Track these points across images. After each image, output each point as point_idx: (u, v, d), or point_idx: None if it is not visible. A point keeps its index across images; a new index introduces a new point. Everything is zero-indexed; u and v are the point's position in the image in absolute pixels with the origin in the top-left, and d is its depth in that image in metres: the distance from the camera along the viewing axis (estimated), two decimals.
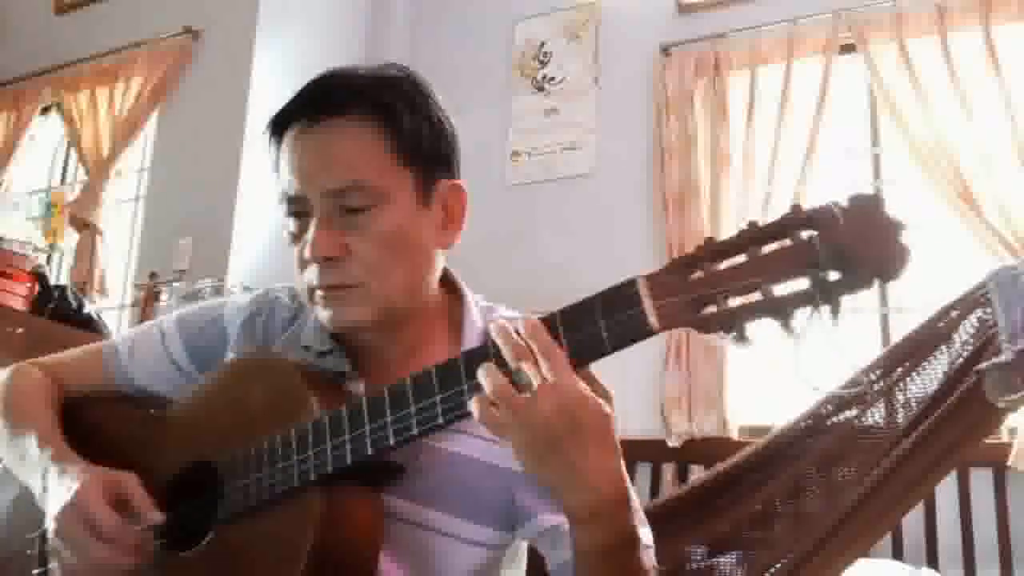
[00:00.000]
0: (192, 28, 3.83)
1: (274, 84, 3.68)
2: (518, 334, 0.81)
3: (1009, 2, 2.94)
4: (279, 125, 1.02)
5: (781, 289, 0.73)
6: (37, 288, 3.22)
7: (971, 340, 1.57)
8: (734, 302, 0.75)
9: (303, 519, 0.88)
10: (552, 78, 3.79)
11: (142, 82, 3.85)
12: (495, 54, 3.93)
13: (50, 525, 0.98)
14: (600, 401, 0.81)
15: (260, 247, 3.52)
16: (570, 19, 3.81)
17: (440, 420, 0.85)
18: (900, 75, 3.02)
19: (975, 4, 2.95)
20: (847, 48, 3.21)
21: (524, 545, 1.09)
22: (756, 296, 0.74)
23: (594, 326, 0.79)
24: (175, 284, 3.43)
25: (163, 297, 3.44)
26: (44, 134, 4.48)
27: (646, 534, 0.95)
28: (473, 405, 0.81)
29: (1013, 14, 2.94)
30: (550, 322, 0.82)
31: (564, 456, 0.79)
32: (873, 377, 1.59)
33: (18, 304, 3.15)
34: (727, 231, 3.14)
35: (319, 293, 0.98)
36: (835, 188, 3.21)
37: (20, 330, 2.76)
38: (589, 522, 0.83)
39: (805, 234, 0.73)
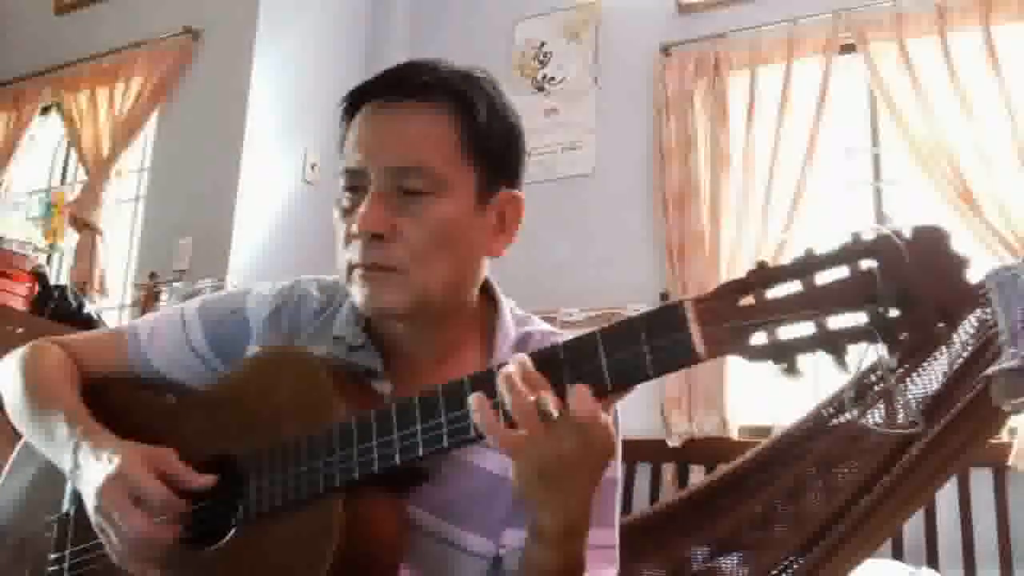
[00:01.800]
0: (192, 28, 3.83)
1: (274, 84, 3.68)
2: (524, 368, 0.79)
3: (1009, 2, 2.94)
4: (354, 102, 1.01)
5: (836, 322, 0.69)
6: (37, 288, 3.22)
7: (971, 340, 1.57)
8: (785, 332, 0.71)
9: (328, 523, 0.87)
10: (552, 78, 3.79)
11: (142, 82, 3.85)
12: (495, 54, 3.92)
13: (92, 501, 0.97)
14: (614, 440, 0.81)
15: (260, 247, 3.52)
16: (570, 19, 3.81)
17: (471, 433, 0.82)
18: (900, 75, 3.02)
19: (975, 4, 2.95)
20: (847, 48, 3.21)
21: None
22: (810, 327, 0.70)
23: (636, 349, 0.76)
24: (175, 284, 3.44)
25: (163, 297, 3.44)
26: (44, 134, 4.48)
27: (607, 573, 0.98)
28: (480, 418, 0.79)
29: (1013, 14, 2.94)
30: (591, 342, 0.79)
31: (561, 483, 0.80)
32: (873, 379, 1.59)
33: (18, 304, 3.15)
34: (727, 231, 3.15)
35: (358, 271, 0.96)
36: (834, 188, 3.22)
37: (20, 330, 2.76)
38: (556, 544, 0.84)
39: (865, 265, 0.69)
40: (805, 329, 0.71)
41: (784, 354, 0.71)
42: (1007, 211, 2.79)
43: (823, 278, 0.71)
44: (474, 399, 0.80)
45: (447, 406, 0.84)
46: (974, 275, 0.68)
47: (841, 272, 0.70)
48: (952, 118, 2.91)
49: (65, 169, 4.52)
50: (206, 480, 0.96)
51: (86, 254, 3.76)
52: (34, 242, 3.86)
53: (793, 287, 0.71)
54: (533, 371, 0.79)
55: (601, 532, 0.99)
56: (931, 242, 0.68)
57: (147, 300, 3.51)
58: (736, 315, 0.73)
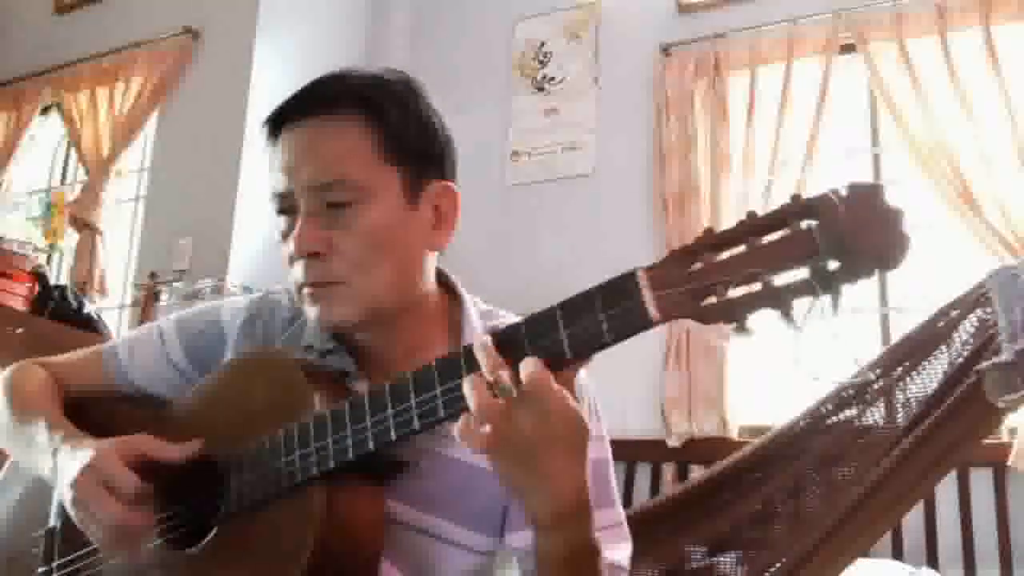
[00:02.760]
0: (192, 28, 3.83)
1: (274, 84, 3.68)
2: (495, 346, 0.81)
3: (1009, 2, 2.94)
4: (275, 125, 1.03)
5: (781, 279, 0.72)
6: (37, 288, 3.23)
7: (971, 340, 1.57)
8: (734, 292, 0.74)
9: (306, 514, 0.88)
10: (552, 78, 3.79)
11: (142, 82, 3.86)
12: (495, 54, 3.93)
13: (66, 494, 0.98)
14: (578, 411, 0.82)
15: (260, 247, 3.52)
16: (570, 19, 3.81)
17: (441, 413, 0.84)
18: (900, 75, 3.02)
19: (975, 4, 2.95)
20: (847, 48, 3.21)
21: None
22: (756, 286, 0.73)
23: (593, 318, 0.79)
24: (175, 284, 3.44)
25: (163, 297, 3.44)
26: (44, 134, 4.49)
27: (619, 554, 0.98)
28: (457, 427, 0.81)
29: (1013, 14, 2.94)
30: (550, 315, 0.81)
31: (536, 464, 0.80)
32: (873, 376, 1.59)
33: (18, 304, 3.16)
34: None
35: (306, 290, 0.99)
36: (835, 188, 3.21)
37: (20, 330, 2.76)
38: (552, 529, 0.84)
39: (804, 223, 0.72)
40: (752, 288, 0.74)
41: (734, 313, 0.74)
42: (1007, 211, 2.79)
43: (766, 239, 0.74)
44: (459, 425, 0.81)
45: (416, 390, 0.86)
46: (910, 225, 0.71)
47: (783, 232, 0.73)
48: (952, 118, 2.91)
49: (65, 169, 4.52)
50: (186, 449, 0.98)
51: (86, 254, 3.76)
52: (34, 242, 3.86)
53: (739, 250, 0.75)
54: (494, 352, 0.81)
55: (602, 513, 1.00)
56: (866, 197, 0.72)
57: (147, 300, 3.50)
58: (686, 279, 0.76)
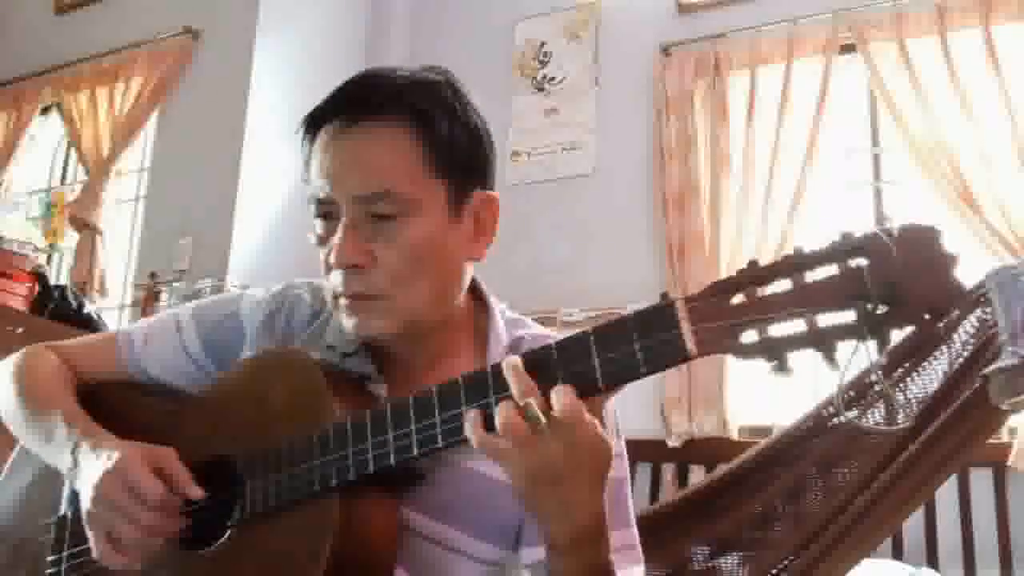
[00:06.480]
0: (192, 28, 3.83)
1: (274, 84, 3.69)
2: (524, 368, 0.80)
3: (1009, 2, 2.94)
4: (313, 124, 0.99)
5: (825, 319, 0.70)
6: (37, 288, 3.22)
7: (971, 340, 1.57)
8: (776, 330, 0.71)
9: (323, 524, 0.88)
10: (552, 78, 3.79)
11: (142, 82, 3.86)
12: (495, 54, 3.92)
13: (88, 493, 0.96)
14: (606, 440, 0.80)
15: (260, 247, 3.52)
16: (570, 19, 3.81)
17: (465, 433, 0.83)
18: (900, 75, 3.02)
19: (975, 4, 2.96)
20: (847, 48, 3.22)
21: None
22: (799, 325, 0.71)
23: (628, 347, 0.76)
24: (175, 284, 3.44)
25: (163, 297, 3.44)
26: (44, 134, 4.49)
27: (634, 572, 0.97)
28: (471, 431, 0.80)
29: (1013, 14, 2.94)
30: (583, 341, 0.79)
31: (560, 490, 0.79)
32: (874, 377, 1.59)
33: (18, 304, 3.15)
34: (727, 231, 3.15)
35: (343, 301, 0.96)
36: (834, 188, 3.22)
37: (20, 330, 2.76)
38: (568, 551, 0.84)
39: (854, 263, 0.70)
40: (795, 327, 0.71)
41: (774, 352, 0.72)
42: (1007, 211, 2.79)
43: (813, 276, 0.71)
44: (471, 416, 0.80)
45: (441, 406, 0.84)
46: (963, 272, 0.68)
47: (830, 270, 0.71)
48: (952, 118, 2.92)
49: (65, 169, 4.52)
50: (198, 492, 0.96)
51: (86, 254, 3.76)
52: (34, 242, 3.86)
53: (783, 285, 0.72)
54: (525, 376, 0.79)
55: (619, 534, 0.98)
56: (920, 240, 0.69)
57: (147, 300, 3.51)
58: (727, 314, 0.73)
